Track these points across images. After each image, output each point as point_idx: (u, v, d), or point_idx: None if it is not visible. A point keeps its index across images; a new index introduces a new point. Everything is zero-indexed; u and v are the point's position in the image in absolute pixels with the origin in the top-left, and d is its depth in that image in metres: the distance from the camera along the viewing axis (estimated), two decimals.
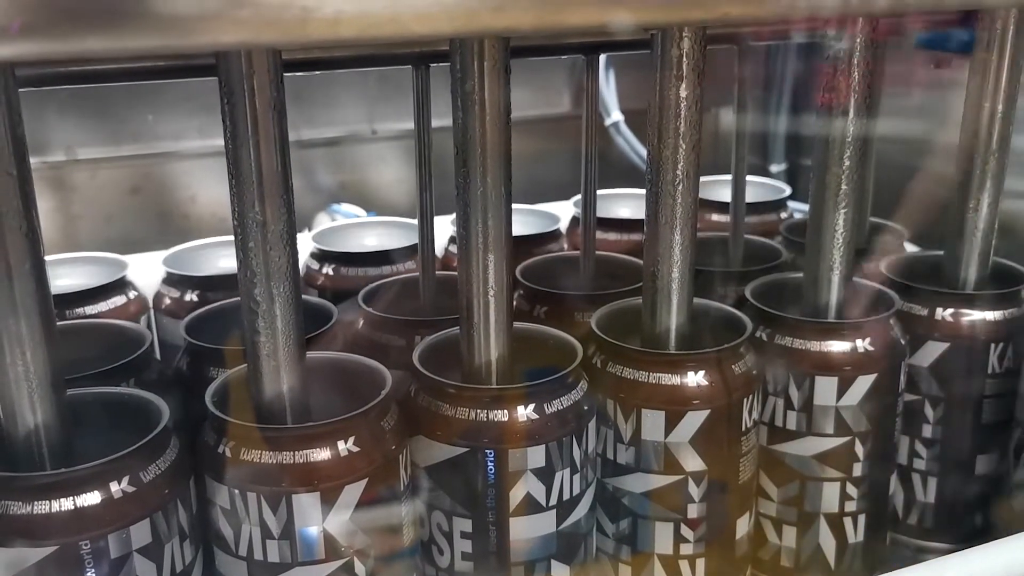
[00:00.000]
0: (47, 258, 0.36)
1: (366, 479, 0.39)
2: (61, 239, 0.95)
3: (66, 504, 0.35)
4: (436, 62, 0.51)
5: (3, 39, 0.23)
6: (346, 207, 0.96)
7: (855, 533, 0.51)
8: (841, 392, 0.49)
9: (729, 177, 0.62)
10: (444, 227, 0.63)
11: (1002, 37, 0.51)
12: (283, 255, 0.38)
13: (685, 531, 0.46)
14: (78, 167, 0.95)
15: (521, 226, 0.67)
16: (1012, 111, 0.52)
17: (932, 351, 0.54)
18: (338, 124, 1.03)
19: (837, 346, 0.49)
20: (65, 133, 0.94)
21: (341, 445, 0.38)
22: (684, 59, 0.42)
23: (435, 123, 0.52)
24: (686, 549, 0.47)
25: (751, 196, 0.67)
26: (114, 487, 0.36)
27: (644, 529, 0.47)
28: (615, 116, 1.07)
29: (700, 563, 0.47)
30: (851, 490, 0.50)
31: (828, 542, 0.51)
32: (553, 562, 0.44)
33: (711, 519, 0.46)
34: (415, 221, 0.54)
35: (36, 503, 0.34)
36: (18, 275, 0.35)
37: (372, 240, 0.70)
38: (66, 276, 0.64)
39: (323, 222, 0.91)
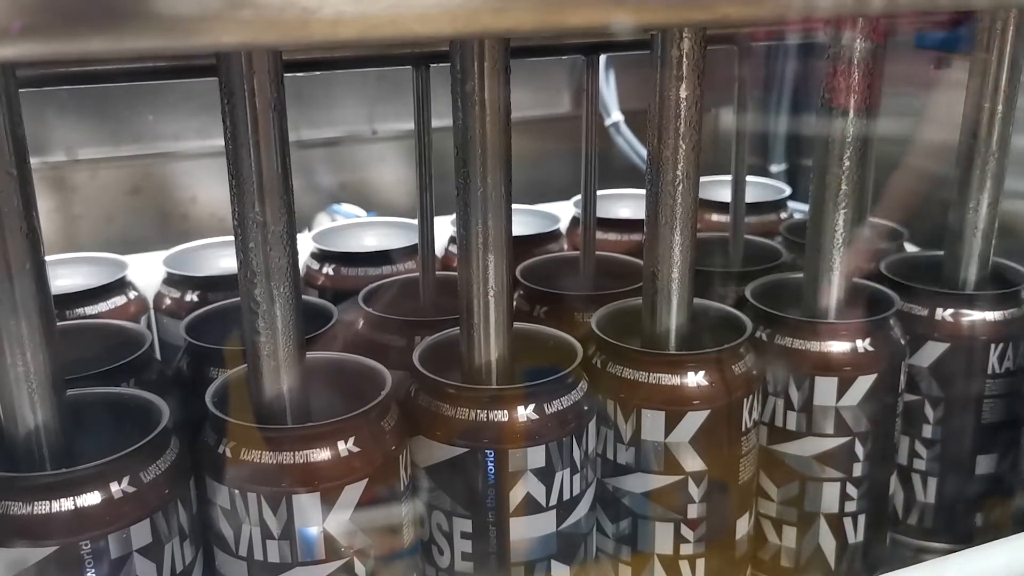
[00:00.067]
0: (47, 258, 0.36)
1: (366, 479, 0.39)
2: (61, 239, 0.95)
3: (66, 504, 0.35)
4: (436, 62, 0.51)
5: (4, 40, 0.23)
6: (346, 207, 0.96)
7: (855, 533, 0.51)
8: (841, 392, 0.49)
9: (729, 177, 0.62)
10: (444, 227, 0.63)
11: (1002, 37, 0.51)
12: (283, 255, 0.38)
13: (685, 531, 0.46)
14: (78, 167, 0.95)
15: (521, 226, 0.67)
16: (1012, 111, 0.52)
17: (932, 351, 0.54)
18: (338, 124, 1.03)
19: (837, 346, 0.49)
20: (65, 133, 0.94)
21: (341, 445, 0.38)
22: (684, 59, 0.42)
23: (435, 123, 0.52)
24: (686, 549, 0.47)
25: (751, 196, 0.67)
26: (114, 487, 0.36)
27: (644, 529, 0.47)
28: (615, 116, 1.07)
29: (700, 563, 0.47)
30: (851, 490, 0.50)
31: (828, 542, 0.51)
32: (553, 562, 0.44)
33: (711, 519, 0.46)
34: (415, 221, 0.54)
35: (36, 503, 0.34)
36: (18, 275, 0.35)
37: (372, 240, 0.70)
38: (66, 276, 0.64)
39: (323, 222, 0.91)
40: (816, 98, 0.48)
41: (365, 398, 0.40)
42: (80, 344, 0.49)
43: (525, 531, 0.43)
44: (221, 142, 0.36)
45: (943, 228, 0.56)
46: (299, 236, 0.39)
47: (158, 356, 0.57)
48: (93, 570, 0.35)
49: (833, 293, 0.50)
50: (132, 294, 0.61)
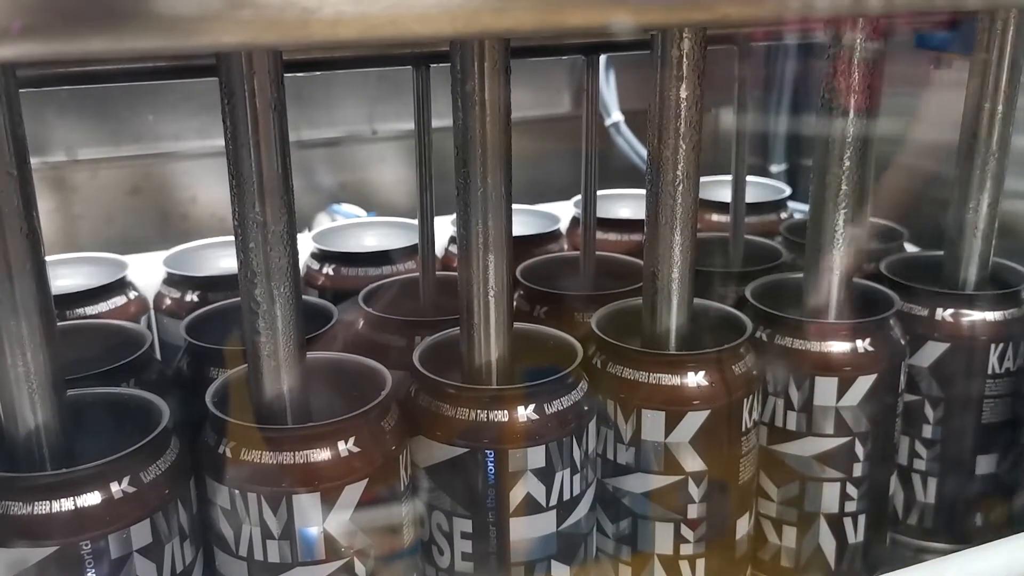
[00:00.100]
0: (47, 258, 0.36)
1: (366, 479, 0.39)
2: (61, 239, 0.95)
3: (66, 504, 0.35)
4: (436, 62, 0.51)
5: (4, 40, 0.23)
6: (346, 207, 0.96)
7: (855, 533, 0.51)
8: (841, 392, 0.49)
9: (729, 177, 0.62)
10: (444, 227, 0.63)
11: (1002, 37, 0.51)
12: (283, 255, 0.38)
13: (685, 531, 0.46)
14: (78, 167, 0.95)
15: (521, 226, 0.67)
16: (1012, 111, 0.52)
17: (932, 351, 0.54)
18: (338, 124, 1.03)
19: (837, 346, 0.49)
20: (65, 133, 0.94)
21: (341, 445, 0.38)
22: (684, 59, 0.42)
23: (435, 123, 0.52)
24: (686, 549, 0.47)
25: (751, 196, 0.67)
26: (114, 487, 0.36)
27: (644, 529, 0.47)
28: (615, 116, 1.06)
29: (700, 563, 0.47)
30: (851, 490, 0.50)
31: (828, 542, 0.51)
32: (553, 562, 0.44)
33: (711, 519, 0.46)
34: (415, 221, 0.54)
35: (36, 503, 0.34)
36: (19, 275, 0.35)
37: (372, 240, 0.70)
38: (66, 276, 0.64)
39: (323, 222, 0.91)
40: (816, 98, 0.48)
41: (365, 398, 0.40)
42: (80, 344, 0.49)
43: (525, 531, 0.43)
44: (221, 142, 0.36)
45: (941, 227, 0.56)
46: (299, 236, 0.39)
47: (158, 356, 0.57)
48: (93, 570, 0.35)
49: (833, 293, 0.50)
50: (132, 294, 0.61)
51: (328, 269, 0.64)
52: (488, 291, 0.42)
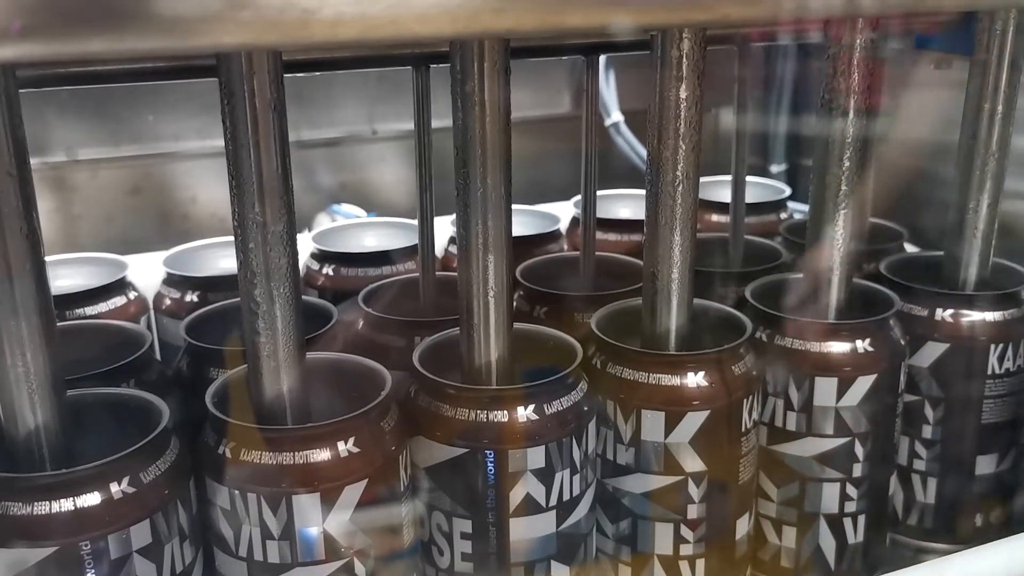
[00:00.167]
0: (47, 259, 0.36)
1: (366, 480, 0.39)
2: (61, 240, 0.95)
3: (66, 505, 0.35)
4: (436, 63, 0.51)
5: (4, 40, 0.23)
6: (346, 207, 0.96)
7: (855, 534, 0.51)
8: (841, 393, 0.49)
9: (729, 177, 0.62)
10: (444, 227, 0.63)
11: (1002, 37, 0.51)
12: (283, 256, 0.38)
13: (685, 532, 0.46)
14: (78, 168, 0.95)
15: (521, 226, 0.67)
16: (1012, 111, 0.52)
17: (932, 352, 0.54)
18: (338, 125, 1.03)
19: (837, 347, 0.49)
20: (65, 133, 0.94)
21: (341, 446, 0.38)
22: (684, 60, 0.42)
23: (435, 123, 0.52)
24: (686, 550, 0.47)
25: (751, 196, 0.67)
26: (114, 488, 0.36)
27: (644, 530, 0.47)
28: (615, 117, 1.06)
29: (700, 564, 0.47)
30: (851, 491, 0.50)
31: (828, 542, 0.51)
32: (553, 563, 0.44)
33: (711, 520, 0.46)
34: (415, 222, 0.54)
35: (36, 504, 0.34)
36: (18, 276, 0.35)
37: (372, 240, 0.70)
38: (66, 277, 0.64)
39: (323, 222, 0.91)
40: (816, 98, 0.48)
41: (365, 398, 0.40)
42: (80, 344, 0.49)
43: (525, 531, 0.43)
44: (221, 142, 0.36)
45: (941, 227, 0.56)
46: (299, 236, 0.39)
47: (158, 356, 0.57)
48: (93, 570, 0.35)
49: (833, 293, 0.50)
50: (132, 294, 0.61)
51: (328, 269, 0.64)
52: (488, 291, 0.42)
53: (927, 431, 0.55)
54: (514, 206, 0.42)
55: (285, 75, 0.36)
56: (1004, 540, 0.52)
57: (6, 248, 0.34)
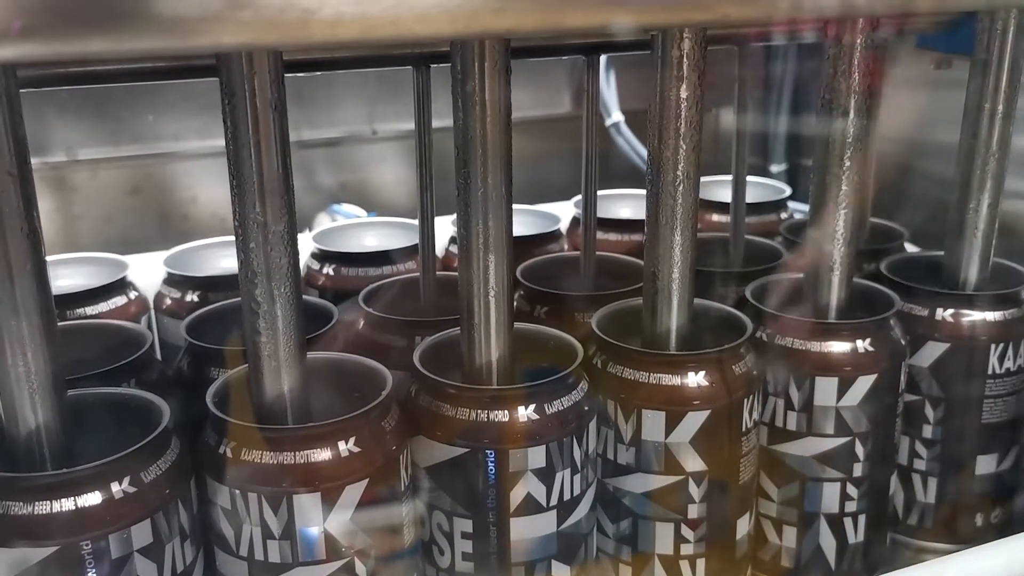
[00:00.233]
0: (48, 259, 0.36)
1: (367, 479, 0.39)
2: (62, 240, 0.95)
3: (67, 504, 0.35)
4: (436, 63, 0.51)
5: (4, 40, 0.23)
6: (346, 207, 0.96)
7: (855, 533, 0.51)
8: (841, 392, 0.49)
9: (729, 177, 0.62)
10: (444, 227, 0.63)
11: (1002, 37, 0.51)
12: (284, 255, 0.38)
13: (685, 531, 0.46)
14: (79, 167, 0.95)
15: (521, 226, 0.67)
16: (1012, 111, 0.52)
17: (932, 351, 0.54)
18: (339, 124, 1.03)
19: (837, 346, 0.49)
20: (65, 133, 0.94)
21: (342, 445, 0.38)
22: (684, 60, 0.42)
23: (435, 123, 0.52)
24: (686, 549, 0.47)
25: (751, 196, 0.67)
26: (115, 487, 0.36)
27: (644, 529, 0.47)
28: (615, 116, 1.06)
29: (700, 563, 0.47)
30: (851, 490, 0.50)
31: (828, 542, 0.51)
32: (553, 562, 0.44)
33: (711, 519, 0.46)
34: (415, 221, 0.54)
35: (37, 503, 0.34)
36: (19, 276, 0.35)
37: (372, 240, 0.70)
38: (67, 276, 0.64)
39: (323, 222, 0.91)
40: (816, 98, 0.48)
41: (366, 398, 0.40)
42: (81, 344, 0.49)
43: (525, 531, 0.43)
44: (221, 142, 0.36)
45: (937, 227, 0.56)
46: (300, 236, 0.39)
47: (159, 356, 0.57)
48: (94, 570, 0.35)
49: (833, 293, 0.50)
50: (132, 294, 0.61)
51: (328, 269, 0.64)
52: (488, 291, 0.42)
53: (927, 431, 0.55)
54: (514, 206, 0.42)
55: (285, 75, 0.36)
56: (1004, 540, 0.52)
57: (7, 248, 0.34)
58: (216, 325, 0.51)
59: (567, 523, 0.44)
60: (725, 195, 0.65)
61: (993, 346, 0.53)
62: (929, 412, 0.55)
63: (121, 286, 0.61)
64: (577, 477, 0.43)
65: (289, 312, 0.39)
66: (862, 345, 0.49)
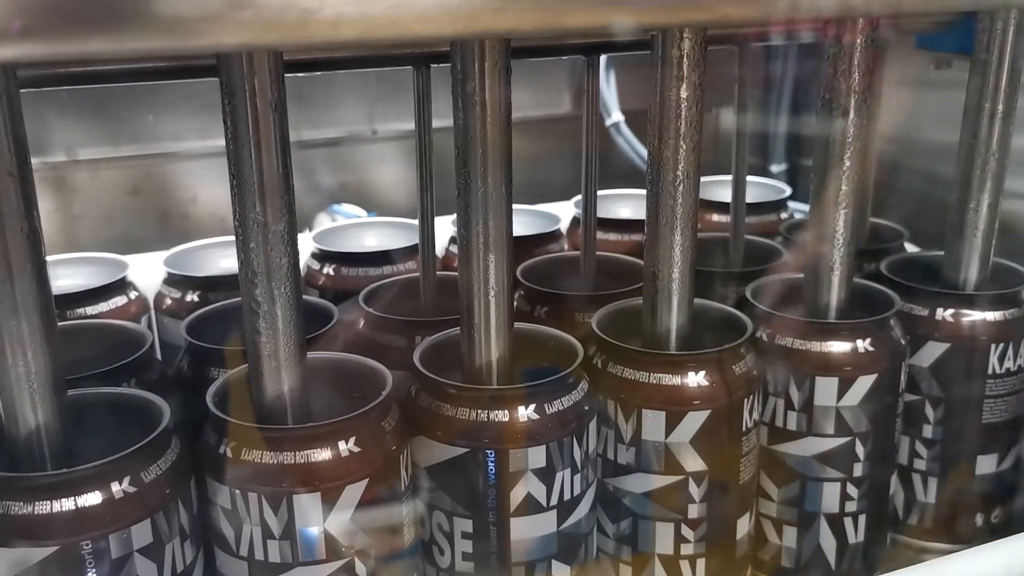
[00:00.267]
0: (48, 258, 0.36)
1: (367, 479, 0.39)
2: (62, 240, 0.95)
3: (67, 504, 0.35)
4: (437, 63, 0.51)
5: (4, 40, 0.23)
6: (347, 207, 0.96)
7: (855, 533, 0.51)
8: (841, 392, 0.49)
9: (729, 177, 0.62)
10: (444, 227, 0.63)
11: (1002, 37, 0.51)
12: (284, 255, 0.38)
13: (686, 531, 0.46)
14: (79, 167, 0.95)
15: (521, 226, 0.67)
16: (1012, 111, 0.52)
17: (932, 351, 0.54)
18: (339, 124, 1.03)
19: (837, 346, 0.49)
20: (65, 133, 0.94)
21: (342, 445, 0.38)
22: (684, 60, 0.42)
23: (435, 123, 0.52)
24: (687, 549, 0.47)
25: (751, 196, 0.67)
26: (115, 487, 0.36)
27: (645, 529, 0.47)
28: (616, 116, 1.06)
29: (700, 563, 0.47)
30: (851, 490, 0.50)
31: (828, 542, 0.51)
32: (554, 562, 0.44)
33: (712, 519, 0.46)
34: (415, 221, 0.54)
35: (37, 503, 0.34)
36: (19, 276, 0.35)
37: (372, 240, 0.70)
38: (67, 276, 0.64)
39: (324, 222, 0.91)
40: (816, 98, 0.48)
41: (366, 398, 0.40)
42: (81, 344, 0.49)
43: (526, 531, 0.43)
44: (221, 142, 0.36)
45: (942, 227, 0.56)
46: (300, 236, 0.39)
47: (159, 356, 0.57)
48: (94, 570, 0.35)
49: (833, 293, 0.50)
50: (133, 294, 0.61)
51: (328, 269, 0.64)
52: (488, 291, 0.42)
53: (927, 431, 0.55)
54: (514, 206, 0.42)
55: (285, 75, 0.36)
56: (1004, 540, 0.52)
57: (7, 248, 0.34)
58: (216, 325, 0.51)
59: (567, 523, 0.44)
60: (725, 195, 0.65)
61: (993, 346, 0.53)
62: (929, 412, 0.55)
63: (121, 286, 0.61)
64: (577, 477, 0.43)
65: (289, 312, 0.39)
66: (862, 345, 0.49)
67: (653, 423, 0.45)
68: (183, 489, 0.38)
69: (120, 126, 0.95)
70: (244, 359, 0.40)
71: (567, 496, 0.43)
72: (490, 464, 0.41)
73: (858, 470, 0.50)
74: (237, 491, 0.38)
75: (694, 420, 0.45)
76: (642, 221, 0.46)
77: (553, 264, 0.61)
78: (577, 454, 0.43)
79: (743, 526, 0.48)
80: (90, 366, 0.45)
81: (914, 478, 0.56)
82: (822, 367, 0.49)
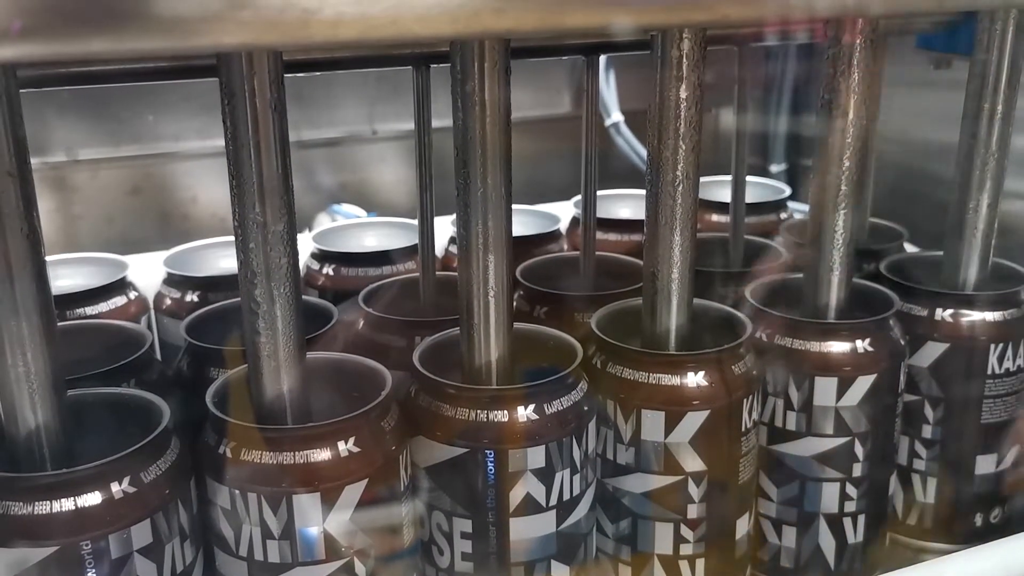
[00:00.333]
0: (48, 259, 0.36)
1: (366, 479, 0.39)
2: (62, 240, 0.95)
3: (67, 504, 0.35)
4: (436, 63, 0.51)
5: (4, 40, 0.23)
6: (346, 207, 0.96)
7: (855, 533, 0.51)
8: (841, 392, 0.49)
9: (729, 177, 0.62)
10: (444, 227, 0.63)
11: (1002, 37, 0.51)
12: (283, 256, 0.38)
13: (685, 531, 0.46)
14: (79, 168, 0.95)
15: (521, 226, 0.67)
16: (1012, 111, 0.52)
17: (932, 352, 0.54)
18: (338, 125, 1.03)
19: (837, 346, 0.49)
20: (65, 133, 0.94)
21: (341, 445, 0.38)
22: (684, 60, 0.42)
23: (435, 123, 0.52)
24: (686, 549, 0.47)
25: (751, 196, 0.67)
26: (115, 487, 0.36)
27: (644, 529, 0.47)
28: (615, 117, 1.07)
29: (700, 563, 0.47)
30: (851, 490, 0.50)
31: (828, 542, 0.51)
32: (553, 562, 0.44)
33: (711, 519, 0.46)
34: (415, 221, 0.54)
35: (37, 503, 0.34)
36: (19, 276, 0.35)
37: (372, 240, 0.70)
38: (67, 277, 0.64)
39: (323, 222, 0.91)
40: (816, 98, 0.48)
41: (365, 398, 0.40)
42: (80, 344, 0.49)
43: (525, 531, 0.43)
44: (221, 142, 0.36)
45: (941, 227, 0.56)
46: (299, 236, 0.39)
47: (158, 356, 0.57)
48: (94, 570, 0.35)
49: (833, 293, 0.50)
50: (132, 294, 0.61)
51: (328, 269, 0.64)
52: (488, 291, 0.42)
53: (927, 431, 0.55)
54: (514, 206, 0.42)
55: (285, 75, 0.36)
56: (1004, 540, 0.52)
57: (7, 248, 0.34)
58: (216, 325, 0.51)
59: (567, 523, 0.44)
60: (725, 195, 0.65)
61: (993, 346, 0.53)
62: (929, 412, 0.55)
63: (121, 286, 0.61)
64: (577, 477, 0.43)
65: (289, 312, 0.39)
66: (862, 345, 0.49)
67: (652, 423, 0.45)
68: (183, 489, 0.38)
69: (120, 126, 0.96)
70: (244, 359, 0.40)
71: (566, 496, 0.43)
72: (489, 464, 0.41)
73: (857, 470, 0.50)
74: (237, 491, 0.38)
75: (693, 420, 0.45)
76: (642, 221, 0.46)
77: (553, 264, 0.61)
78: (576, 454, 0.43)
79: (742, 526, 0.48)
80: (90, 366, 0.45)
81: (913, 478, 0.56)
82: (821, 367, 0.49)
